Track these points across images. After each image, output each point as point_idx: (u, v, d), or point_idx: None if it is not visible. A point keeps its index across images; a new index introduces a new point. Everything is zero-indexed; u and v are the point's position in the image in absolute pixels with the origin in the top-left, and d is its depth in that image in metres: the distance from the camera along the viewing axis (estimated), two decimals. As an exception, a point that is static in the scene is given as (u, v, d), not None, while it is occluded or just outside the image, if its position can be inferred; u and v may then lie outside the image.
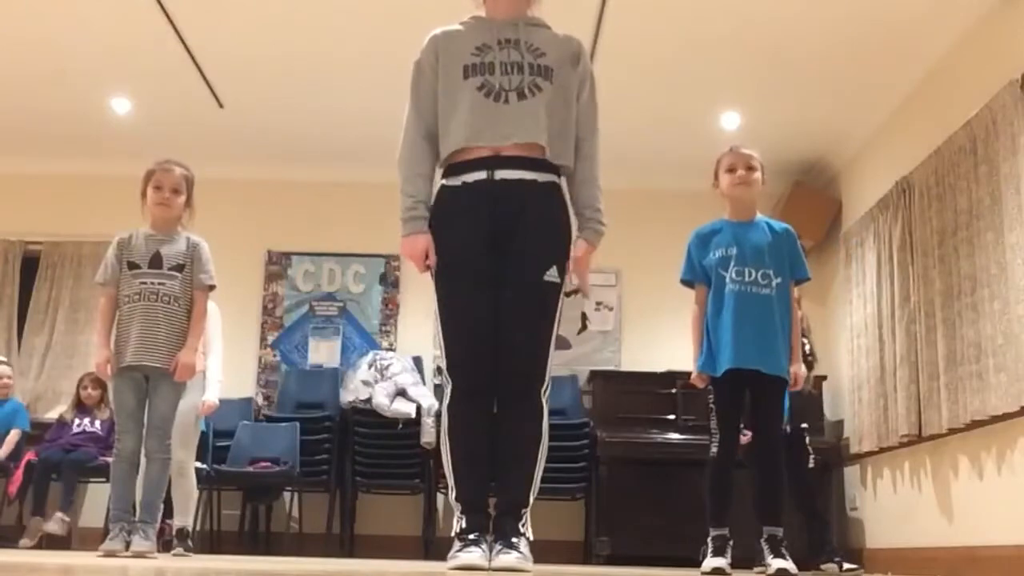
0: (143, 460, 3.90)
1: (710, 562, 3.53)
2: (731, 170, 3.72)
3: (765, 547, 3.53)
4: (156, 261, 3.93)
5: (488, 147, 2.64)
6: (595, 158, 2.78)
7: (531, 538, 2.57)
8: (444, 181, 2.72)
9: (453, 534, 2.59)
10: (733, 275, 3.60)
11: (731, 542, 3.62)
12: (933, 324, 5.19)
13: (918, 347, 5.38)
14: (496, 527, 2.59)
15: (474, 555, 2.48)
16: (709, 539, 3.60)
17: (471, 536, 2.54)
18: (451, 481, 2.66)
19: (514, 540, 2.52)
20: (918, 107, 5.75)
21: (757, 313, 3.57)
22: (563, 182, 2.74)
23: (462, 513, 2.61)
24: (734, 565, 3.67)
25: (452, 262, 2.66)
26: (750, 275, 3.60)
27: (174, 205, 3.98)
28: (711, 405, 3.68)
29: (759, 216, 3.78)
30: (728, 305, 3.59)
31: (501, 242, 2.63)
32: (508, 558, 2.47)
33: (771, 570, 3.41)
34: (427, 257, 2.67)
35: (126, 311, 3.92)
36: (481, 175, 2.64)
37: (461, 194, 2.66)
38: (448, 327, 2.66)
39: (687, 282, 3.80)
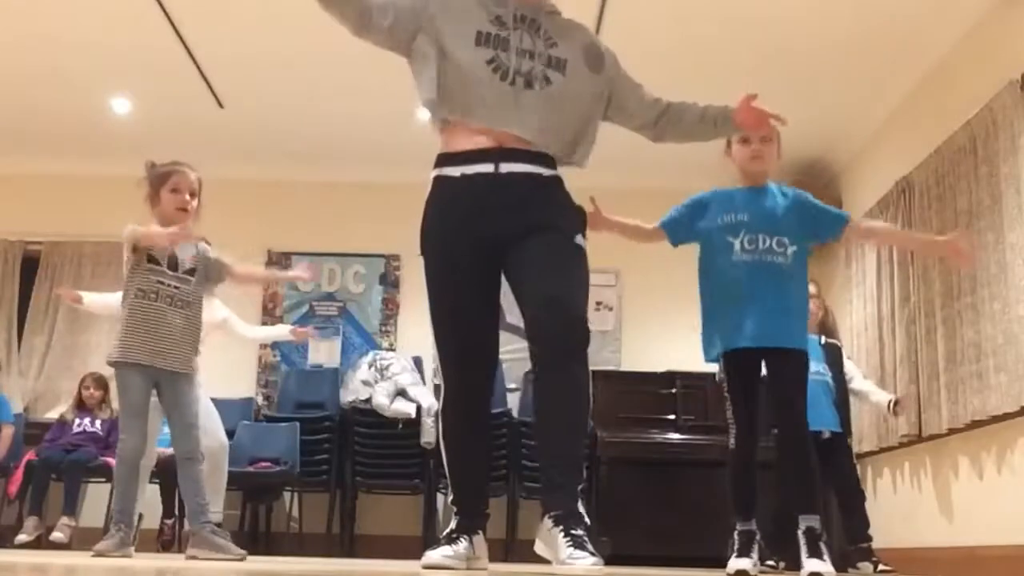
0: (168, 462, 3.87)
1: (734, 563, 3.32)
2: (745, 140, 3.40)
3: (802, 540, 3.19)
4: (173, 263, 3.82)
5: (489, 136, 2.52)
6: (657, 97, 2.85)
7: (588, 522, 2.34)
8: (440, 171, 2.58)
9: (442, 535, 2.56)
10: (745, 243, 3.30)
11: (758, 537, 3.39)
12: (933, 324, 5.19)
13: (918, 347, 5.38)
14: (557, 511, 2.32)
15: (438, 553, 2.42)
16: (735, 534, 3.37)
17: (452, 534, 2.50)
18: (449, 483, 2.63)
19: (580, 532, 2.26)
20: (918, 107, 5.75)
21: (771, 284, 3.26)
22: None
23: (456, 515, 2.57)
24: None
25: (447, 262, 2.55)
26: (764, 242, 3.29)
27: (193, 209, 3.87)
28: (725, 394, 3.38)
29: (770, 183, 3.50)
30: (738, 277, 3.28)
31: (509, 231, 2.51)
32: (586, 562, 2.19)
33: (804, 573, 3.15)
34: None
35: (140, 306, 3.77)
36: (487, 168, 2.51)
37: (461, 187, 2.53)
38: (440, 328, 2.56)
39: (665, 225, 3.43)
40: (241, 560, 3.64)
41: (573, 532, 2.25)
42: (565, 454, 2.40)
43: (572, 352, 2.41)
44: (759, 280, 3.27)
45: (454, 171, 2.55)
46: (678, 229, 3.44)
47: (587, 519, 2.34)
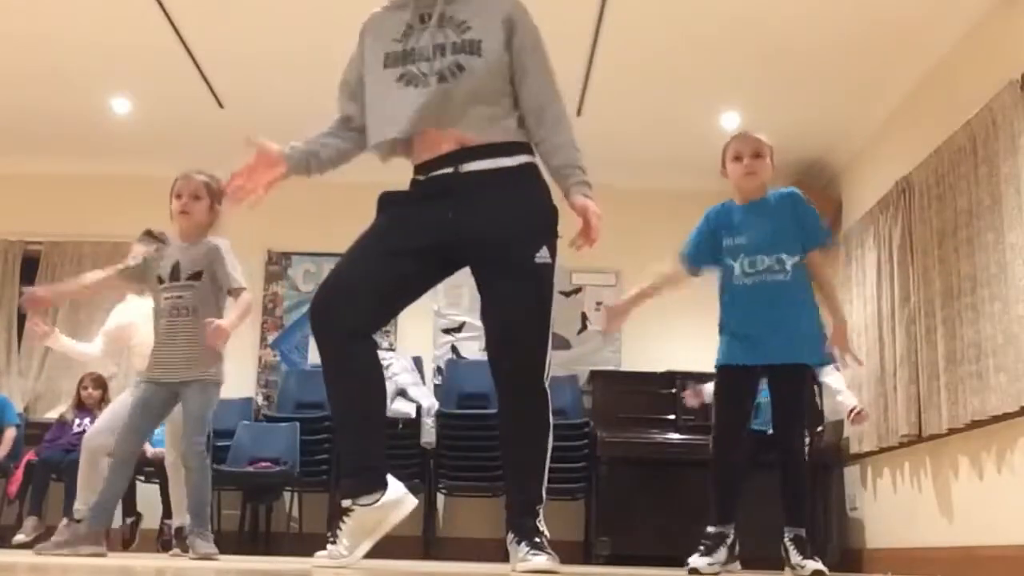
0: (177, 467, 4.03)
1: (692, 560, 3.38)
2: (737, 158, 3.50)
3: (791, 547, 3.37)
4: (175, 272, 3.92)
5: (443, 138, 2.53)
6: (562, 121, 2.58)
7: (548, 536, 2.49)
8: (413, 176, 2.65)
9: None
10: (745, 267, 3.39)
11: (729, 540, 3.43)
12: (933, 324, 5.19)
13: (918, 347, 5.37)
14: (515, 528, 2.49)
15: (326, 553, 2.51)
16: (706, 533, 3.44)
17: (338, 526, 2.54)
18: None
19: (538, 540, 2.43)
20: (918, 107, 5.75)
21: (772, 303, 3.35)
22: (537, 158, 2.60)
23: (345, 476, 2.63)
24: (752, 565, 3.61)
25: (393, 221, 2.59)
26: (763, 263, 3.37)
27: (195, 211, 3.96)
28: (714, 400, 3.51)
29: (768, 192, 3.52)
30: (741, 299, 3.39)
31: (474, 234, 2.50)
32: (539, 560, 2.37)
33: (807, 571, 3.28)
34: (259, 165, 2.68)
35: (159, 326, 3.95)
36: (448, 170, 2.54)
37: (424, 185, 2.59)
38: (333, 271, 2.59)
39: (685, 258, 3.54)
40: (197, 559, 3.77)
41: (533, 541, 2.44)
42: (521, 486, 2.54)
43: (523, 388, 2.52)
44: (760, 302, 3.37)
45: (421, 176, 2.62)
46: (696, 257, 3.52)
47: (546, 533, 2.48)
